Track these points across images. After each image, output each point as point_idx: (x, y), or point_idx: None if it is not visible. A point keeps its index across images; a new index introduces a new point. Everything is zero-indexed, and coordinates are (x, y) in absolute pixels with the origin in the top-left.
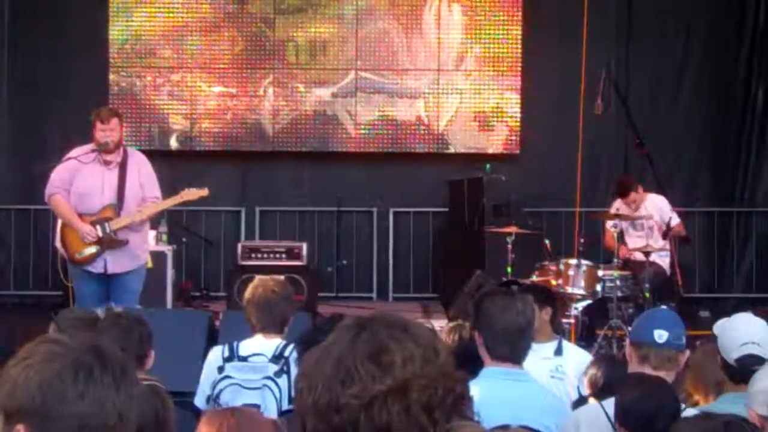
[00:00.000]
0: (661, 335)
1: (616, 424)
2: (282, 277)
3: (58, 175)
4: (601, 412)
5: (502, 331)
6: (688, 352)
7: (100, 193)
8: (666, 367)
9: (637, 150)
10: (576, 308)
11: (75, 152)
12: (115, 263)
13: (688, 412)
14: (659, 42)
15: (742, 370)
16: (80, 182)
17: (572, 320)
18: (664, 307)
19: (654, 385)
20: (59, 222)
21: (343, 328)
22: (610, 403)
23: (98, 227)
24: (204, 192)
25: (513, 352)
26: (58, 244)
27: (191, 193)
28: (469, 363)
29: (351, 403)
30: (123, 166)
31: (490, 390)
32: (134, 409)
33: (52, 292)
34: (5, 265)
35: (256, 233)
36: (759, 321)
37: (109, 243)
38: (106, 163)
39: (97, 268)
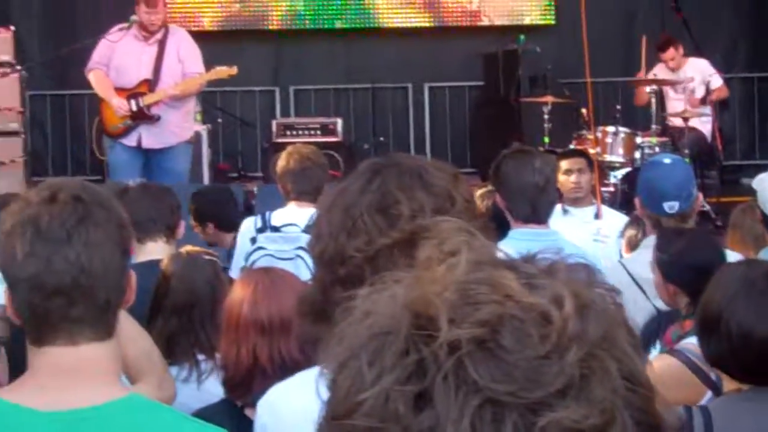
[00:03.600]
0: (671, 206)
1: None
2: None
3: (98, 51)
4: (623, 271)
5: (519, 190)
6: (700, 195)
7: (137, 68)
8: (686, 222)
9: (673, 14)
10: (615, 177)
11: (116, 28)
12: (149, 138)
13: None
14: None
15: None
16: (118, 57)
17: (611, 189)
18: (666, 160)
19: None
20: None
21: (357, 173)
22: (631, 261)
23: (132, 102)
24: (233, 70)
25: (534, 212)
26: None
27: (222, 71)
28: (499, 227)
29: (356, 256)
30: (162, 42)
31: (515, 250)
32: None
33: (91, 177)
34: (43, 151)
35: (291, 112)
36: None
37: (141, 117)
38: (146, 38)
39: (130, 141)
